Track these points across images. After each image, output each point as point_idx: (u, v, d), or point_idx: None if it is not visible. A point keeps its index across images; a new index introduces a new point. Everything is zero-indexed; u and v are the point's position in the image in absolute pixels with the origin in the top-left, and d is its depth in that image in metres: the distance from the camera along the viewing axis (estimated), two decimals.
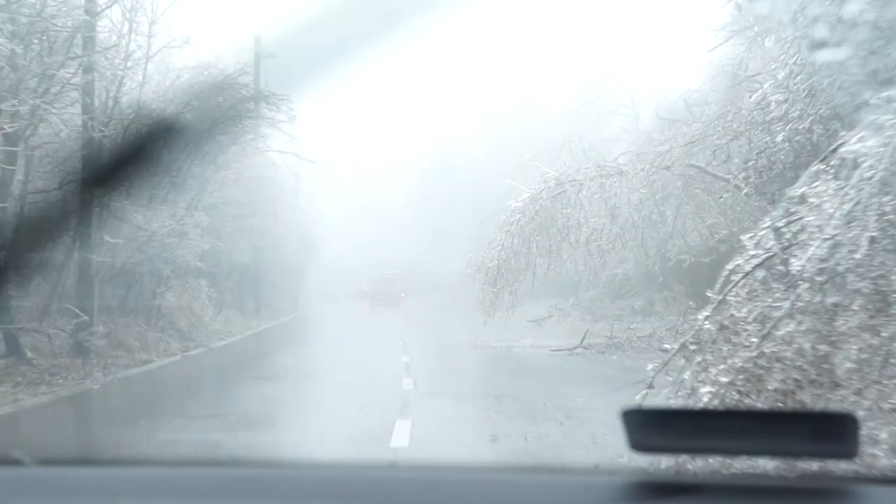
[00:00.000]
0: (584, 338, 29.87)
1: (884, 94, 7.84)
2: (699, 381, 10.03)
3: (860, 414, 8.07)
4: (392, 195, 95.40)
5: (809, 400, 9.12)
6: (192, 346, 30.20)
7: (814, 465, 3.51)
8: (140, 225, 27.13)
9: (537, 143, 53.03)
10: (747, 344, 9.83)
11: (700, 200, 30.04)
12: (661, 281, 35.35)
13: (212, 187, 32.81)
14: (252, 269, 50.02)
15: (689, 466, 5.60)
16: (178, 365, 27.16)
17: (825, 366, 9.29)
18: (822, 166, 10.33)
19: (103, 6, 25.87)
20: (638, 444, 3.24)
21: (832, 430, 3.18)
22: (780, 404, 9.13)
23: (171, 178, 24.41)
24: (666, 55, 75.44)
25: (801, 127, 19.54)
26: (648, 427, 3.25)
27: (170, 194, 27.97)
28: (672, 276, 35.16)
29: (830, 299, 9.43)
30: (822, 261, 9.56)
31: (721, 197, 27.50)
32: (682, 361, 10.59)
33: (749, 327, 10.02)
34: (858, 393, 9.17)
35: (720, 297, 10.56)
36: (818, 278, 9.63)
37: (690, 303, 27.61)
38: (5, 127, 21.95)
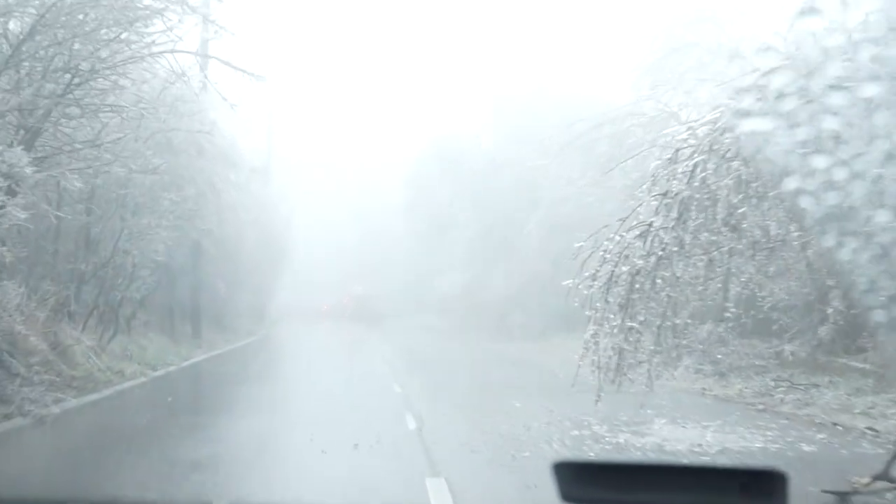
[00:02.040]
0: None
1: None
2: None
3: None
4: (381, 198, 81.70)
5: None
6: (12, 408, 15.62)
7: None
8: None
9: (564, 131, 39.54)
10: None
11: None
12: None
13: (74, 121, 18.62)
14: (186, 276, 35.61)
15: None
16: None
17: None
18: None
19: None
20: (569, 496, 3.13)
21: (762, 486, 3.15)
22: None
23: None
24: None
25: None
26: (580, 479, 3.16)
27: None
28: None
29: None
30: None
31: None
32: None
33: None
34: None
35: None
36: None
37: None
38: None
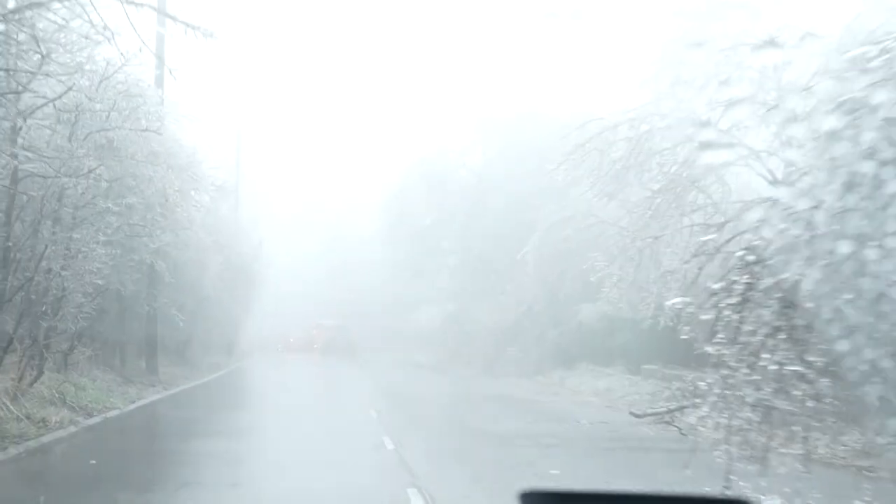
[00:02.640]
0: None
1: None
2: None
3: None
4: (358, 226, 77.07)
5: None
6: None
7: None
8: None
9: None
10: None
11: None
12: None
13: None
14: (139, 304, 30.86)
15: None
16: None
17: None
18: None
19: None
20: None
21: None
22: None
23: None
24: None
25: None
26: None
27: None
28: None
29: None
30: None
31: None
32: None
33: None
34: None
35: None
36: None
37: None
38: None
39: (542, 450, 16.92)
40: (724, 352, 9.76)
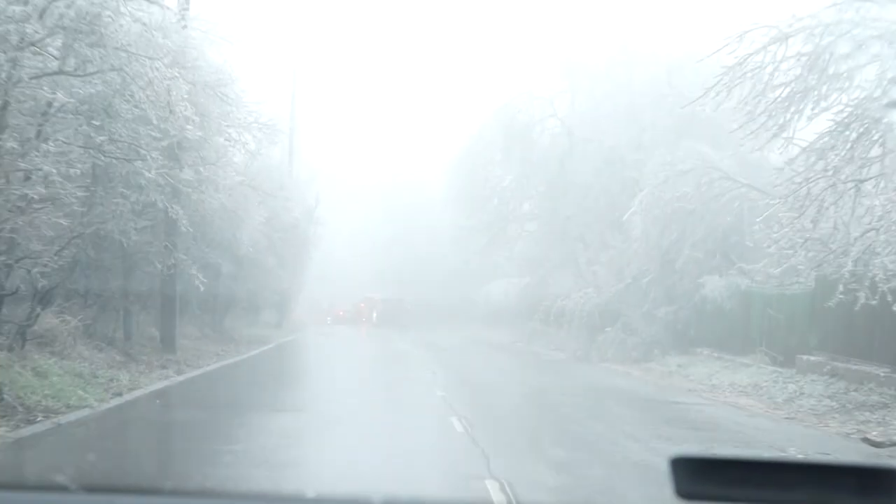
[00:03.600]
0: None
1: None
2: None
3: None
4: (422, 191, 69.42)
5: None
6: None
7: None
8: None
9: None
10: None
11: None
12: None
13: None
14: (148, 260, 23.58)
15: None
16: None
17: None
18: None
19: None
20: (684, 492, 3.05)
21: (880, 485, 3.00)
22: None
23: None
24: None
25: None
26: (696, 475, 3.06)
27: None
28: None
29: None
30: None
31: None
32: None
33: None
34: None
35: None
36: None
37: None
38: None
39: None
40: None
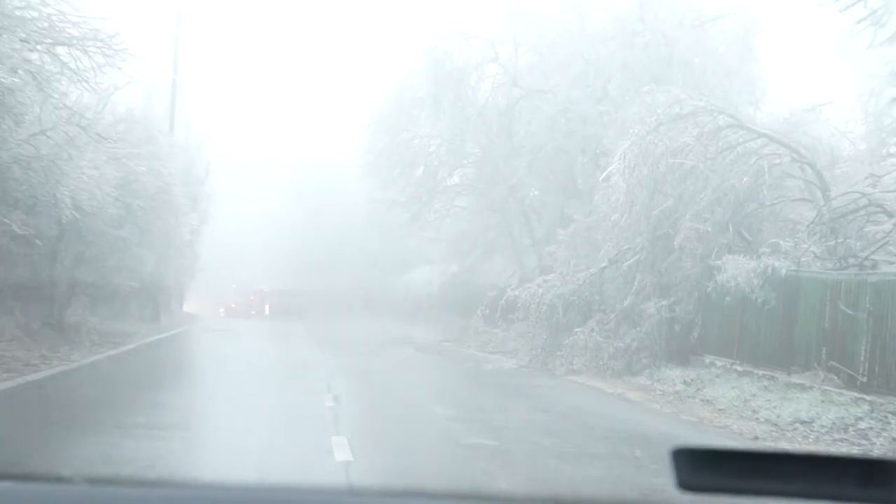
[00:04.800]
0: None
1: None
2: None
3: None
4: (340, 161, 59.97)
5: None
6: None
7: None
8: None
9: None
10: None
11: None
12: None
13: None
14: None
15: None
16: None
17: None
18: None
19: None
20: (686, 484, 2.96)
21: (883, 477, 2.95)
22: None
23: None
24: None
25: None
26: (697, 466, 2.98)
27: None
28: None
29: None
30: None
31: None
32: None
33: None
34: None
35: None
36: None
37: None
38: None
39: None
40: None
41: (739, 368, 20.41)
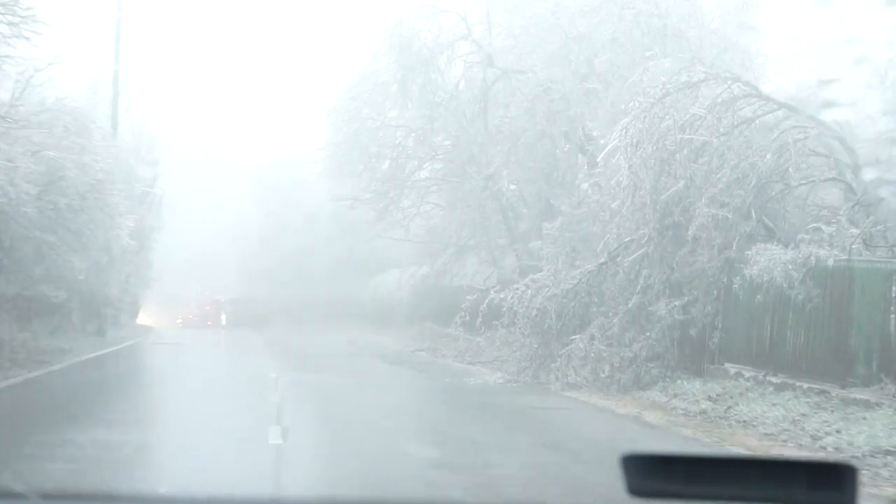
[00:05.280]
0: None
1: None
2: None
3: None
4: (302, 160, 56.05)
5: None
6: None
7: None
8: None
9: None
10: None
11: None
12: None
13: None
14: None
15: None
16: None
17: None
18: None
19: None
20: (636, 489, 2.96)
21: (830, 480, 2.95)
22: None
23: None
24: None
25: None
26: (647, 472, 2.97)
27: None
28: None
29: None
30: None
31: None
32: None
33: None
34: None
35: None
36: None
37: None
38: None
39: None
40: None
41: (775, 380, 16.73)
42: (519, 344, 21.68)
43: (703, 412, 16.28)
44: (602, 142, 20.45)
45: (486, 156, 30.07)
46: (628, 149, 19.94)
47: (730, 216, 18.74)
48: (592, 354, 19.71)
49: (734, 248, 18.65)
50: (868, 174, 19.21)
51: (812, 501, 2.97)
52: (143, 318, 54.15)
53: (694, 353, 19.29)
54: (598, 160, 21.70)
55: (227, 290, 58.69)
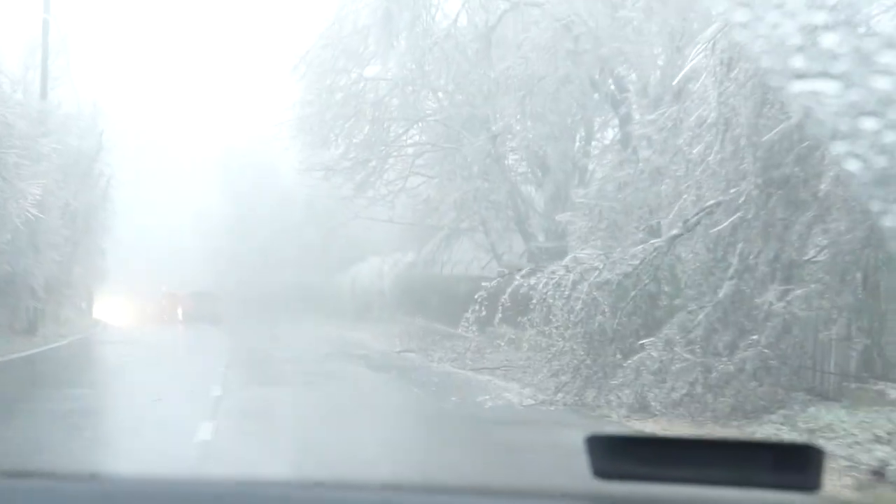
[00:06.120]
0: None
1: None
2: None
3: None
4: (262, 155, 49.97)
5: None
6: None
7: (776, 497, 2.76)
8: None
9: None
10: None
11: None
12: None
13: None
14: None
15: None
16: None
17: None
18: None
19: None
20: (600, 471, 2.82)
21: (795, 462, 2.80)
22: None
23: None
24: None
25: None
26: (612, 454, 2.85)
27: None
28: None
29: None
30: None
31: None
32: None
33: None
34: None
35: None
36: None
37: None
38: None
39: None
40: None
41: None
42: (556, 349, 15.12)
43: (881, 463, 9.89)
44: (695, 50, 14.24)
45: (492, 109, 23.60)
46: (717, 69, 13.54)
47: (884, 164, 12.38)
48: (675, 368, 13.23)
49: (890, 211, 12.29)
50: None
51: (776, 483, 2.76)
52: (100, 312, 48.57)
53: (839, 367, 12.90)
54: (674, 82, 15.26)
55: (191, 283, 52.82)
